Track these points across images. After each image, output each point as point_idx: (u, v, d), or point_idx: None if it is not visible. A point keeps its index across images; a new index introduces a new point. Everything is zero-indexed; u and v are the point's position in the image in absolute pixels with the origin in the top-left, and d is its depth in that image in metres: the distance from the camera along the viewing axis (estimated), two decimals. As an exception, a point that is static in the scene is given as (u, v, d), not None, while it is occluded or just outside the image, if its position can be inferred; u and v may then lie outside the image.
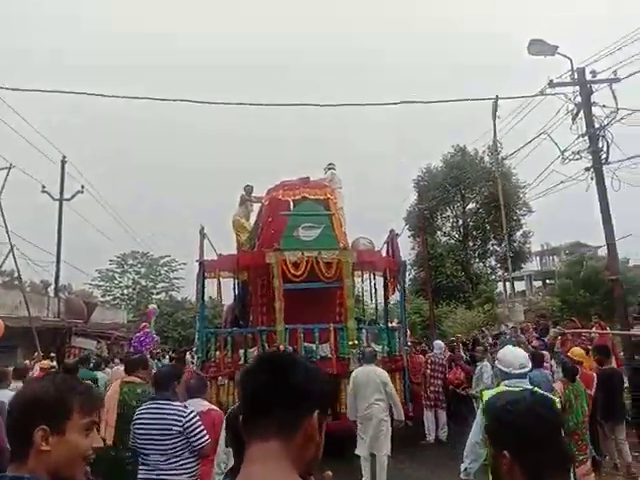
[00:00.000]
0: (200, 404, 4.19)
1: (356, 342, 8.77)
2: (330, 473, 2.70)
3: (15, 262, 12.77)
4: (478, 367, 9.15)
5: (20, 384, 7.36)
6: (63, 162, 19.34)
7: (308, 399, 1.21)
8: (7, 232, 14.50)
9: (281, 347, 8.48)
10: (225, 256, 10.25)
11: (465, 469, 3.75)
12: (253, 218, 11.38)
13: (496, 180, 32.19)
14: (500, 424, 1.55)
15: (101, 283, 46.10)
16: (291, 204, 10.28)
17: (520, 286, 47.50)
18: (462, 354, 11.44)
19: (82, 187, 19.52)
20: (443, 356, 10.45)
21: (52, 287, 19.80)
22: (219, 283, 10.59)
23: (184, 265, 47.95)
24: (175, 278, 48.84)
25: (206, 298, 11.14)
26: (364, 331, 9.60)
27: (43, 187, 19.17)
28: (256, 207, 11.36)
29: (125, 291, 48.46)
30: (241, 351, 9.49)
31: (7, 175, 15.67)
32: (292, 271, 8.77)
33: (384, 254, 10.73)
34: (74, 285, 36.94)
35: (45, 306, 17.44)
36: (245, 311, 11.19)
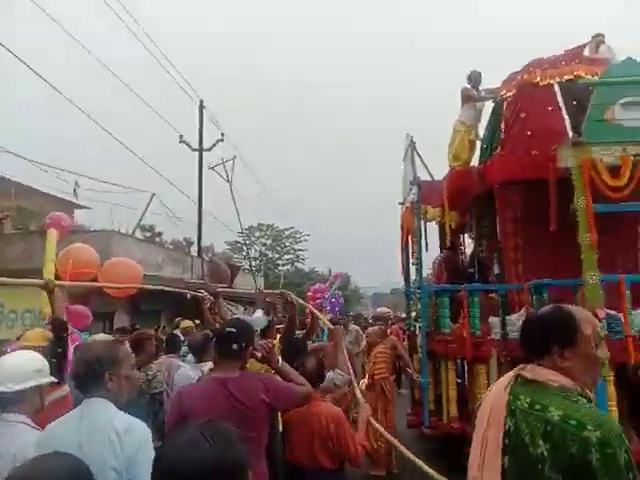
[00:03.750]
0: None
1: None
2: None
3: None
4: None
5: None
6: (201, 107, 17.13)
7: None
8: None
9: (599, 312, 4.85)
10: (459, 172, 6.76)
11: None
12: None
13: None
14: None
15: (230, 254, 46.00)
16: (556, 88, 6.53)
17: None
18: None
19: (222, 135, 17.23)
20: None
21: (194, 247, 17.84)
22: (443, 223, 7.25)
23: (307, 236, 47.26)
24: (300, 250, 48.50)
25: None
26: None
27: (181, 137, 17.17)
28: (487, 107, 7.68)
29: (253, 262, 48.40)
30: (493, 319, 6.05)
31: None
32: (606, 181, 5.03)
33: None
34: (216, 246, 35.72)
35: (189, 267, 15.43)
36: (480, 259, 7.68)
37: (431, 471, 2.78)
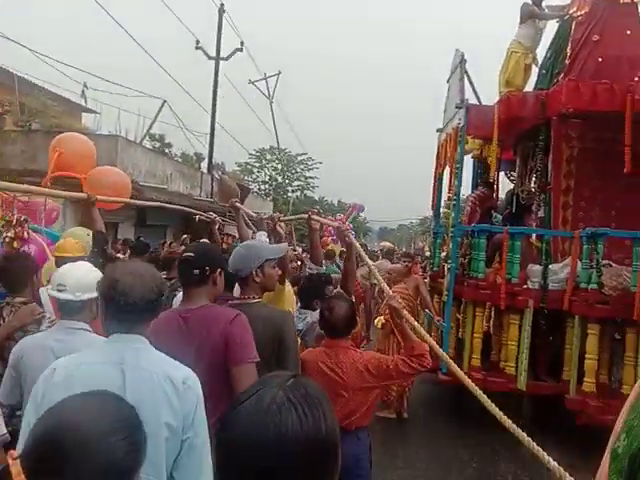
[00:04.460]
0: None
1: None
2: None
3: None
4: None
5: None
6: (221, 11, 15.77)
7: None
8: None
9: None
10: (515, 97, 5.92)
11: None
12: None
13: None
14: None
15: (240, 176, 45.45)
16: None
17: None
18: None
19: (241, 44, 15.98)
20: None
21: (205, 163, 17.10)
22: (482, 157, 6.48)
23: (320, 164, 46.33)
24: (310, 177, 47.81)
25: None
26: None
27: (197, 42, 15.95)
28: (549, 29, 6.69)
29: (262, 186, 48.01)
30: (533, 267, 5.49)
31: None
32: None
33: None
34: (227, 165, 34.10)
35: (198, 184, 14.79)
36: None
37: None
